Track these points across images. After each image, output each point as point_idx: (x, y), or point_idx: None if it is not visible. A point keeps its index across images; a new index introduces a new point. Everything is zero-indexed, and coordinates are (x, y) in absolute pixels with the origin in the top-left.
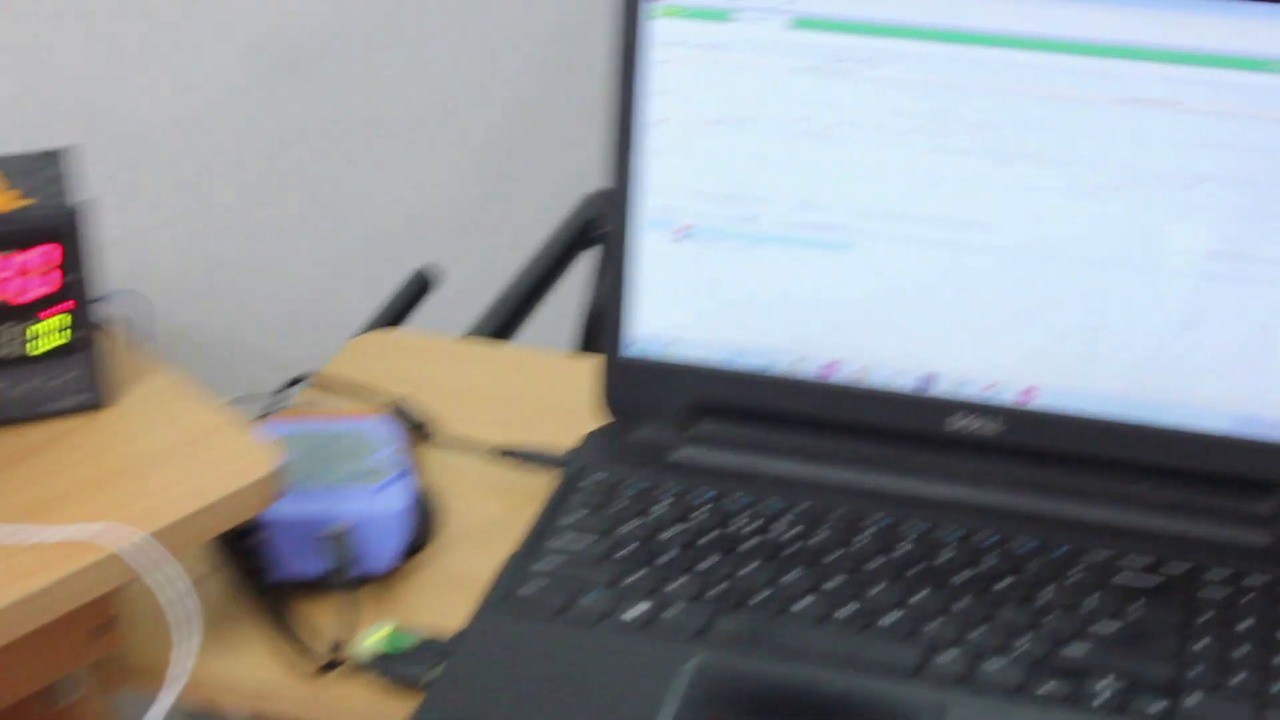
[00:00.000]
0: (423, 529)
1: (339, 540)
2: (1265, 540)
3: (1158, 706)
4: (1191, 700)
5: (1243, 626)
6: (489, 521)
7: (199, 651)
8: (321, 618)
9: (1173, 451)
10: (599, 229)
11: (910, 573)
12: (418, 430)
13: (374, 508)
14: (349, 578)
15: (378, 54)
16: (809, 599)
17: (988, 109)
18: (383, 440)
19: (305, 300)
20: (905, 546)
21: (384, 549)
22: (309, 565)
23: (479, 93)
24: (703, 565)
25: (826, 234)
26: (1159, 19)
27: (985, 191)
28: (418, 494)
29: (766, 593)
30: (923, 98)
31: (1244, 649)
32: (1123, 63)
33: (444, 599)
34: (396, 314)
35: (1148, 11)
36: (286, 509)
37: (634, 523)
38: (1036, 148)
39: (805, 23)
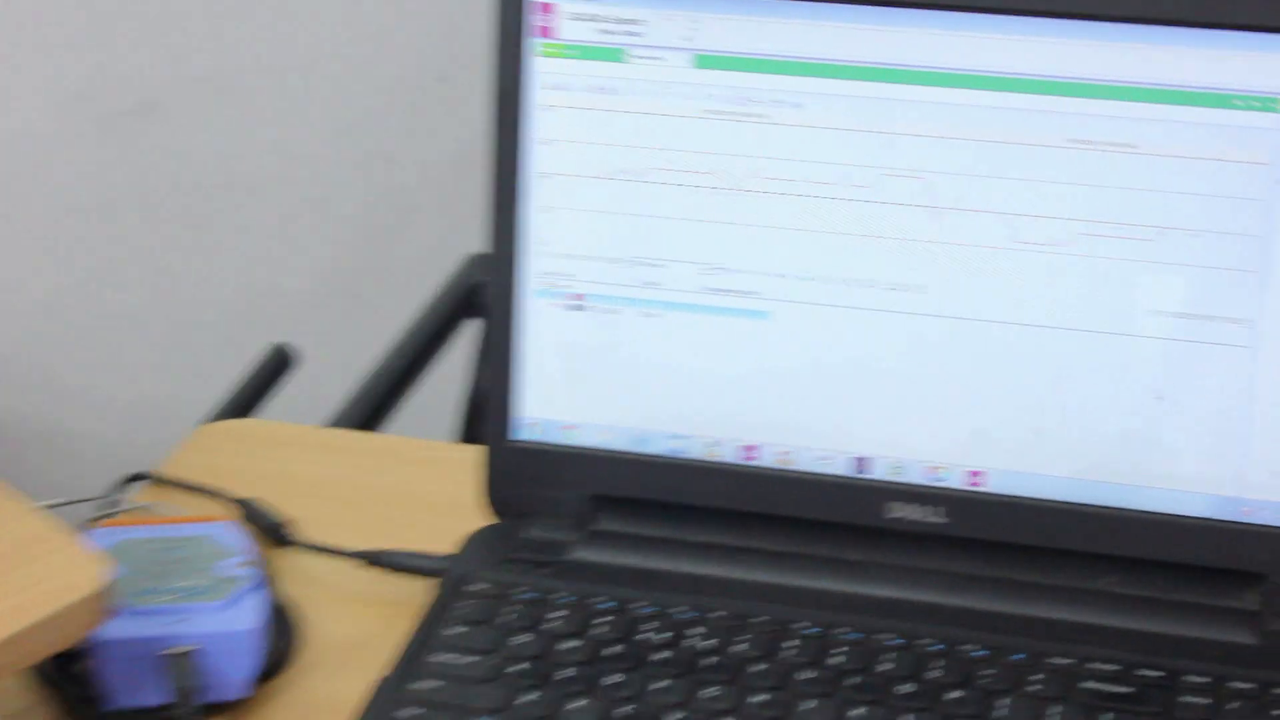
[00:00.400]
0: (280, 649)
1: (182, 664)
2: (1250, 638)
3: None
4: None
5: None
6: (357, 639)
7: None
8: None
9: (1142, 540)
10: (482, 297)
11: (845, 686)
12: (274, 534)
13: (223, 626)
14: (194, 707)
15: (224, 102)
16: None
17: (920, 155)
18: (232, 547)
19: (142, 385)
20: (839, 657)
21: (235, 673)
22: (148, 694)
23: (341, 145)
24: (606, 683)
25: (741, 300)
26: (1110, 51)
27: (919, 249)
28: (274, 608)
29: (681, 715)
30: (846, 144)
31: None
32: (1071, 100)
33: None
34: (249, 399)
35: (1098, 43)
36: (120, 629)
37: (525, 637)
38: (976, 198)
39: (709, 60)
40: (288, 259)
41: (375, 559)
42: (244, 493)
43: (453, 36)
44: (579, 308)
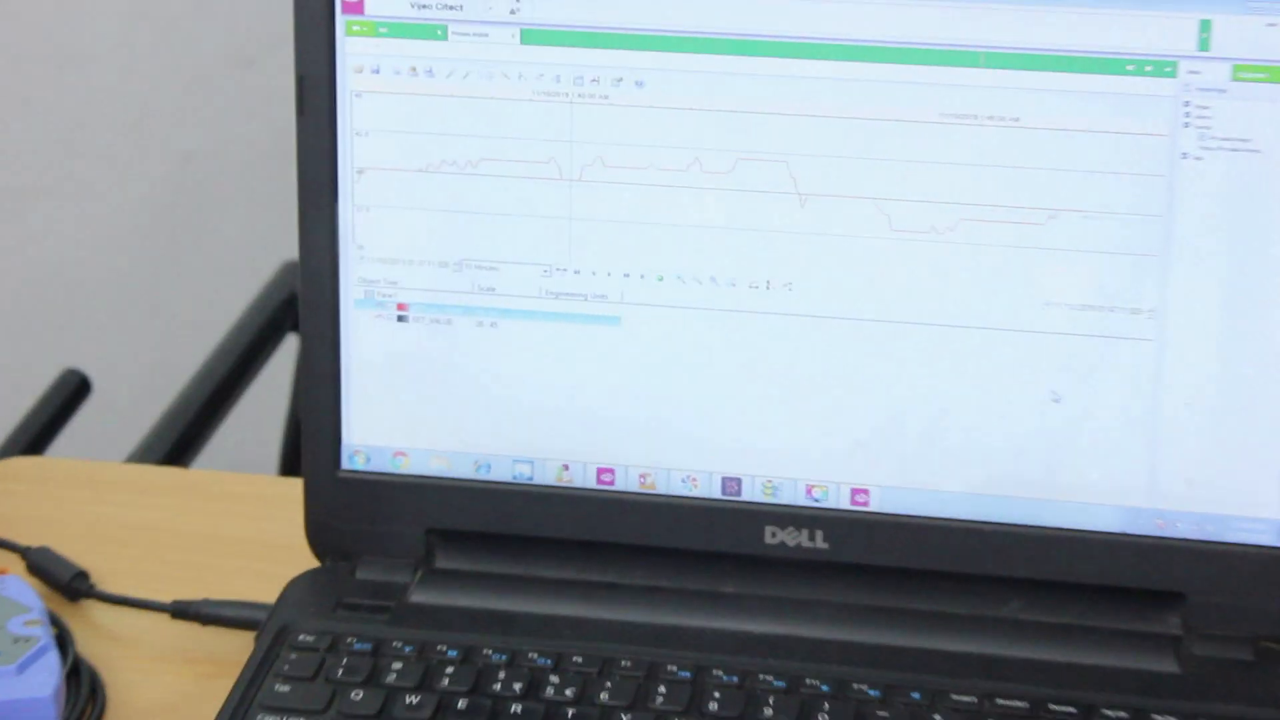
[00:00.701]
0: (81, 715)
1: None
2: (1172, 666)
3: None
4: None
5: None
6: (168, 702)
7: None
8: None
9: (1047, 560)
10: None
11: None
12: (69, 586)
13: (12, 692)
14: None
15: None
16: None
17: (779, 136)
18: (21, 603)
19: None
20: (714, 703)
21: None
22: None
23: (134, 140)
24: None
25: (587, 305)
26: (987, 14)
27: (783, 242)
28: (71, 670)
29: None
30: (696, 125)
31: None
32: (945, 70)
33: None
34: (39, 432)
35: (973, 6)
36: None
37: (361, 693)
38: (844, 183)
39: (539, 35)
40: (78, 272)
41: (185, 611)
42: (34, 540)
43: (257, 14)
44: (406, 319)
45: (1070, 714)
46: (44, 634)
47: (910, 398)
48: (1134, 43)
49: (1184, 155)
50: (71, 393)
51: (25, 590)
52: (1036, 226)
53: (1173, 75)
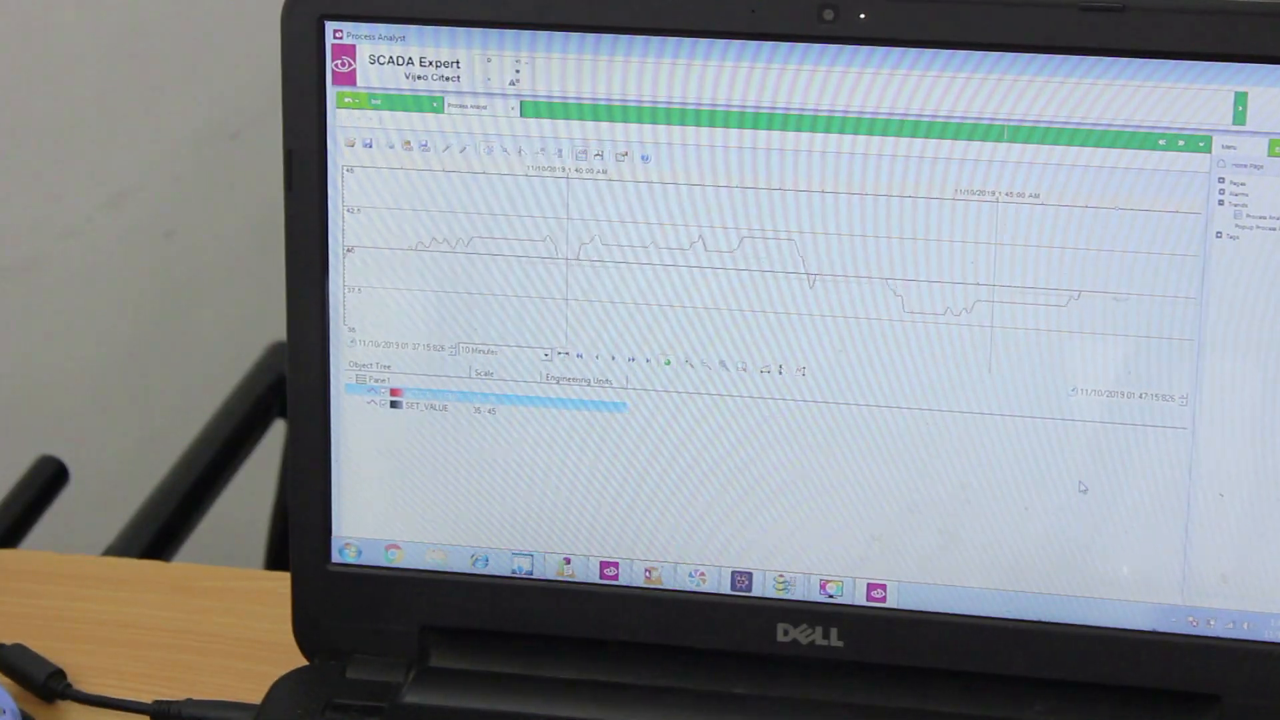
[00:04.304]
0: None
1: None
2: None
3: None
4: None
5: None
6: None
7: None
8: None
9: (1074, 660)
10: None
11: None
12: (46, 685)
13: None
14: None
15: None
16: None
17: (788, 213)
18: None
19: None
20: None
21: None
22: None
23: (115, 216)
24: None
25: (589, 390)
26: (1009, 86)
27: (793, 324)
28: None
29: None
30: (701, 201)
31: None
32: (961, 145)
33: None
34: (13, 523)
35: (991, 77)
36: None
37: None
38: (857, 261)
39: (538, 108)
40: (55, 353)
41: (167, 712)
42: (7, 637)
43: (243, 84)
44: (399, 405)
45: None
46: None
47: (929, 488)
48: (1166, 116)
49: (1218, 234)
50: (47, 481)
51: (2, 690)
52: (1060, 308)
53: (1207, 150)
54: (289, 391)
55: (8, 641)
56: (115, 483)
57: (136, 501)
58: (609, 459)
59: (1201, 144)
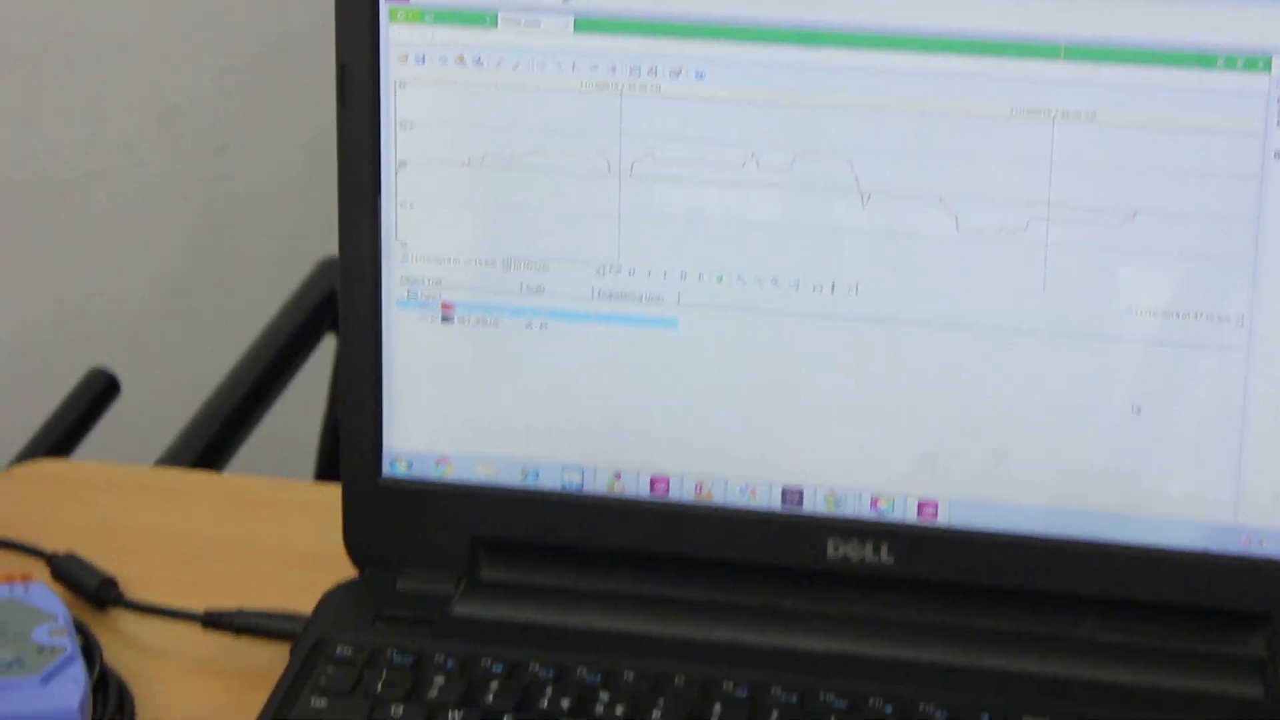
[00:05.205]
0: None
1: None
2: (1256, 690)
3: None
4: None
5: None
6: (200, 715)
7: None
8: None
9: (1126, 578)
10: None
11: None
12: (96, 594)
13: (38, 704)
14: None
15: (26, 87)
16: None
17: (843, 131)
18: (47, 611)
19: None
20: None
21: None
22: None
23: (166, 134)
24: None
25: (641, 307)
26: (1067, 4)
27: (847, 242)
28: (101, 678)
29: None
30: (756, 119)
31: None
32: (1017, 63)
33: None
34: (66, 434)
35: None
36: None
37: (401, 708)
38: (913, 180)
39: (592, 23)
40: (108, 269)
41: (218, 621)
42: (60, 546)
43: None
44: (450, 319)
45: None
46: (70, 643)
47: (982, 407)
48: (1225, 35)
49: (1277, 154)
50: (99, 394)
51: (50, 598)
52: (1115, 229)
53: (1266, 70)
54: (340, 306)
55: (60, 550)
56: (167, 397)
57: (188, 415)
58: (660, 375)
59: (1261, 64)
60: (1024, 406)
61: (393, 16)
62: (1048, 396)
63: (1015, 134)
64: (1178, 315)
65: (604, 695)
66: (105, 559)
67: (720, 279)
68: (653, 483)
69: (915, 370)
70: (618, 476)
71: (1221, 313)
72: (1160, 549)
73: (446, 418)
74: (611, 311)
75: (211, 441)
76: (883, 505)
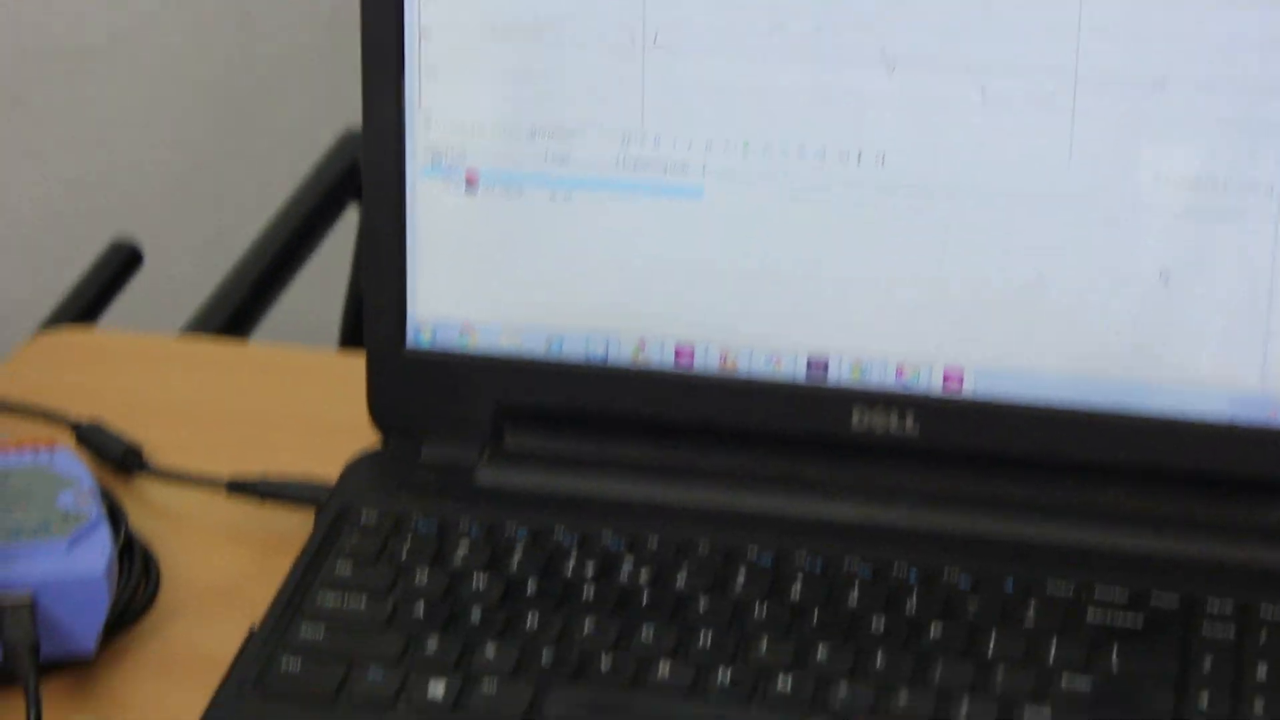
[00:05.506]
0: (133, 595)
1: (15, 615)
2: (1278, 558)
3: None
4: None
5: (1260, 675)
6: (226, 579)
7: None
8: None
9: (1152, 448)
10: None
11: (809, 621)
12: (122, 461)
13: (63, 568)
14: (32, 665)
15: None
16: (672, 662)
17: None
18: (72, 477)
19: None
20: (799, 587)
21: (81, 623)
22: None
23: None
24: (525, 624)
25: (666, 176)
26: None
27: (874, 111)
28: (126, 545)
29: (614, 656)
30: None
31: (1261, 704)
32: None
33: (169, 685)
34: (90, 303)
35: None
36: None
37: (427, 572)
38: (936, 48)
39: None
40: (130, 137)
41: (243, 487)
42: (85, 413)
43: None
44: (474, 189)
45: (1173, 608)
46: (95, 510)
47: (1008, 276)
48: None
49: None
50: (121, 265)
51: (75, 464)
52: (1145, 95)
53: None
54: (364, 175)
55: (84, 419)
56: (190, 268)
57: (211, 286)
58: (685, 245)
59: None
60: (1050, 276)
61: None
62: (1074, 266)
63: (1042, 0)
64: (1207, 184)
65: (628, 562)
66: (129, 428)
67: (746, 147)
68: (677, 353)
69: (941, 239)
70: (642, 346)
71: (1251, 181)
72: (1187, 419)
73: (470, 287)
74: (636, 180)
75: (236, 310)
76: (908, 375)
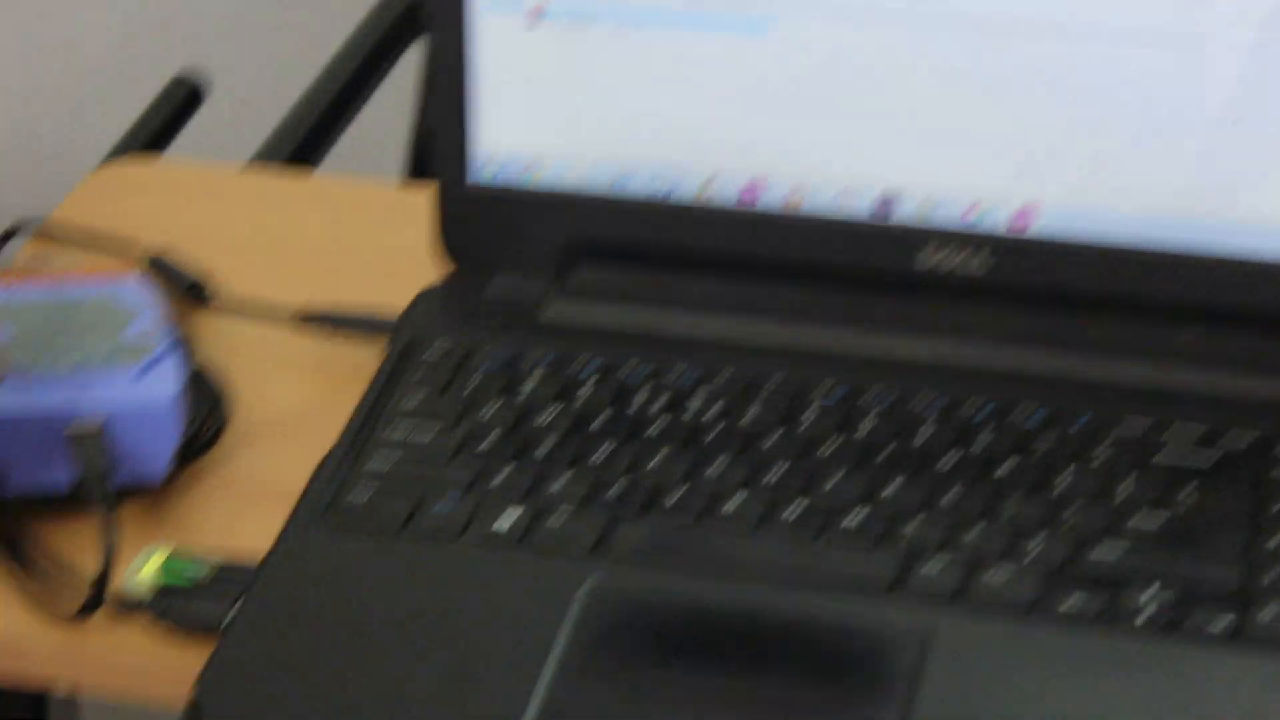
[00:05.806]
0: (204, 422)
1: (89, 441)
2: None
3: (1222, 623)
4: (1267, 613)
5: None
6: (295, 409)
7: None
8: (73, 544)
9: (1224, 286)
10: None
11: (879, 458)
12: (191, 292)
13: (135, 396)
14: (105, 491)
15: None
16: (742, 496)
17: None
18: (142, 306)
19: (25, 120)
20: (869, 423)
21: (152, 450)
22: (51, 476)
23: None
24: (595, 457)
25: (735, 9)
26: None
27: None
28: (195, 375)
29: (683, 490)
30: None
31: None
32: None
33: (239, 513)
34: (156, 135)
35: None
36: (14, 403)
37: (496, 404)
38: None
39: None
40: None
41: (312, 319)
42: (153, 244)
43: None
44: (541, 21)
45: (1247, 446)
46: (164, 339)
47: (1080, 111)
48: None
49: None
50: (183, 100)
51: (144, 294)
52: None
53: None
54: (429, 7)
55: (151, 250)
56: (256, 96)
57: (277, 114)
58: (753, 80)
59: None
60: (1122, 112)
61: None
62: (1146, 102)
63: None
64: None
65: (697, 396)
66: (198, 257)
67: None
68: (745, 189)
69: (1012, 74)
70: (710, 181)
71: None
72: (1260, 259)
73: (536, 123)
74: (704, 12)
75: (303, 141)
76: (979, 212)
